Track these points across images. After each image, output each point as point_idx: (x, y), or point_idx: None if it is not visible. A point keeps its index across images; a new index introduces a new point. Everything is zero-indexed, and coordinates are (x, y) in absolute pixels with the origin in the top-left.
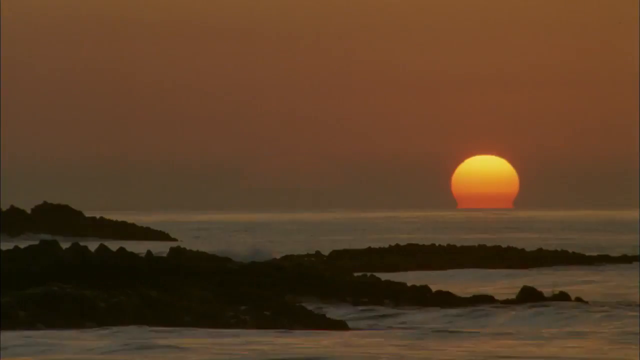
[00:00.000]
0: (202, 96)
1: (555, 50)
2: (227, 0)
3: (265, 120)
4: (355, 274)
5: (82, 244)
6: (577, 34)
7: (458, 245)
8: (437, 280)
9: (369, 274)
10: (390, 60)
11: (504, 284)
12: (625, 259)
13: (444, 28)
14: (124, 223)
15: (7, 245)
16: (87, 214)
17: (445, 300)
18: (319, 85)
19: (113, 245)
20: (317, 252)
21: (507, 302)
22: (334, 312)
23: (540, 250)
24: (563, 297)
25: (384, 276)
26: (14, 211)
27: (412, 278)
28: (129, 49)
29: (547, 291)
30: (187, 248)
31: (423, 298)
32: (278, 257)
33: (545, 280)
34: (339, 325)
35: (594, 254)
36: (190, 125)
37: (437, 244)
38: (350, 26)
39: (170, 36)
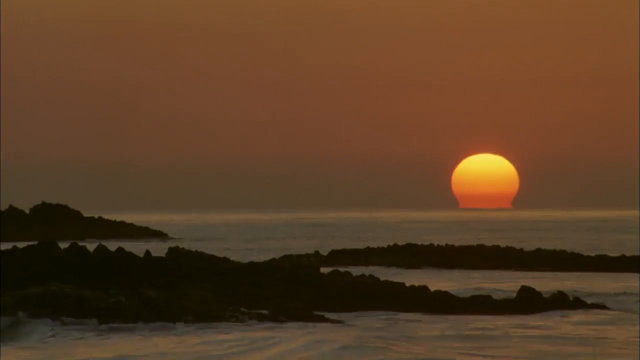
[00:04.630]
0: (201, 97)
1: (555, 51)
2: (224, 4)
3: (266, 121)
4: (354, 274)
5: (80, 244)
6: (577, 34)
7: (457, 245)
8: (436, 280)
9: (367, 274)
10: (391, 61)
11: (502, 284)
12: (625, 259)
13: (445, 29)
14: (122, 223)
15: (6, 246)
16: (86, 214)
17: (444, 301)
18: (321, 87)
19: (111, 245)
20: (317, 252)
21: (506, 302)
22: (332, 312)
23: (539, 250)
24: (562, 297)
25: (383, 275)
26: (13, 211)
27: (411, 276)
28: (128, 51)
29: (545, 291)
30: (186, 248)
31: (421, 299)
32: (277, 256)
33: (544, 280)
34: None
35: (593, 254)
36: (189, 125)
37: (436, 244)
38: (351, 27)
39: (170, 38)
